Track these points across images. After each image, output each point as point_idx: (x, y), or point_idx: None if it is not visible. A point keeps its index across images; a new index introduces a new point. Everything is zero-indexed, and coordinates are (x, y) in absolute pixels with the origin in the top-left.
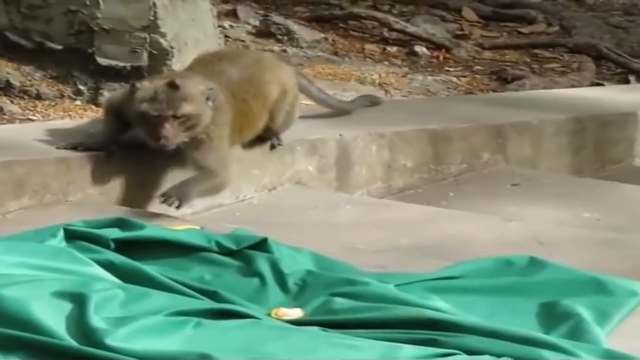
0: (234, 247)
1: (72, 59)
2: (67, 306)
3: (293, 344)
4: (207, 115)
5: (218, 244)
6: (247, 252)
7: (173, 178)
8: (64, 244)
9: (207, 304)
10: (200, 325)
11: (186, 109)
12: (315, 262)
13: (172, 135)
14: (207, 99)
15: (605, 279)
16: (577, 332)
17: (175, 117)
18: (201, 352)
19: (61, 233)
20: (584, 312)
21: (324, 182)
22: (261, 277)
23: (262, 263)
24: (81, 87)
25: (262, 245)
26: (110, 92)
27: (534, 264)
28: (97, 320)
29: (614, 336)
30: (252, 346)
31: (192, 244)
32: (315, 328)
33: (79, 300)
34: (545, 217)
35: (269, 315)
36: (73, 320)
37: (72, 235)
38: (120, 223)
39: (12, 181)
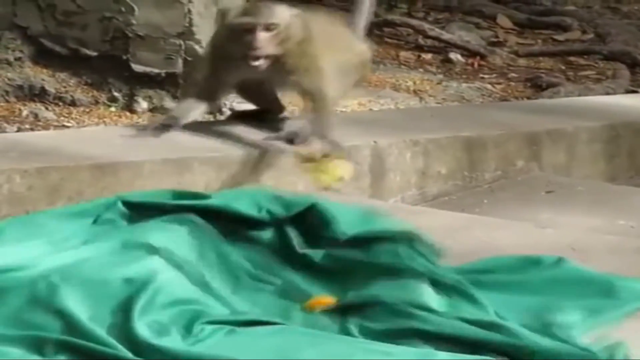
0: (284, 213)
1: (107, 65)
2: (113, 308)
3: (328, 351)
4: (295, 29)
5: (269, 212)
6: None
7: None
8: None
9: (237, 315)
10: (233, 332)
11: (275, 18)
12: (363, 221)
13: (265, 45)
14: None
15: (617, 282)
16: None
17: (266, 27)
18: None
19: (119, 204)
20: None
21: (359, 189)
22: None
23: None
24: (116, 93)
25: (312, 209)
26: (145, 98)
27: (557, 263)
28: (141, 326)
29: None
30: (286, 353)
31: (245, 216)
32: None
33: (124, 303)
34: (580, 225)
35: (303, 308)
36: (118, 327)
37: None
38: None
39: (47, 187)
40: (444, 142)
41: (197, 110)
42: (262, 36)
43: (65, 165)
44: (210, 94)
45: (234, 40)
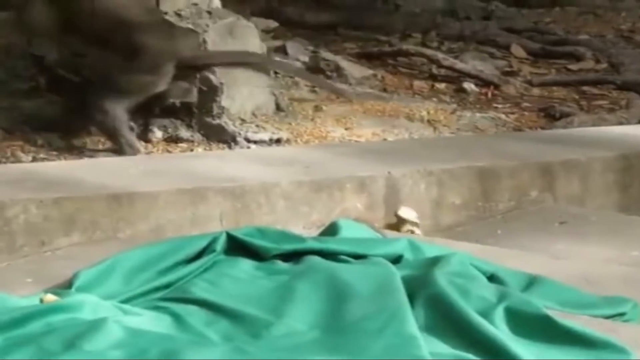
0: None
1: None
2: None
3: None
4: None
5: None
6: None
7: None
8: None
9: None
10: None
11: None
12: None
13: None
14: None
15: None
16: None
17: None
18: None
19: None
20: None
21: (373, 220)
22: None
23: None
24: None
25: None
26: (160, 128)
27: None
28: None
29: None
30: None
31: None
32: None
33: None
34: (593, 255)
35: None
36: None
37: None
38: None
39: (62, 218)
40: (458, 172)
41: None
42: None
43: (80, 195)
44: None
45: None
